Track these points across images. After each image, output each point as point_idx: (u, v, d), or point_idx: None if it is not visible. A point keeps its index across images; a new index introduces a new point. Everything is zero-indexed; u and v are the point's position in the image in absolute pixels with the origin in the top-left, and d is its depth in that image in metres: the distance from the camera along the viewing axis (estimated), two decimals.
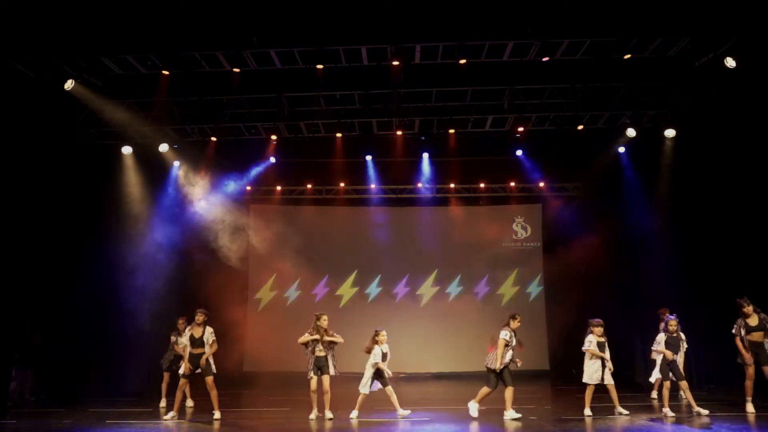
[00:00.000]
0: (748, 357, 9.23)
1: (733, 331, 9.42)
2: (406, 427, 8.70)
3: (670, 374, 9.21)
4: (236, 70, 10.46)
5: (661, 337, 9.33)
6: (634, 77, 11.40)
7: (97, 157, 12.84)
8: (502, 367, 9.11)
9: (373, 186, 16.03)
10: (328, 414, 9.32)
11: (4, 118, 10.45)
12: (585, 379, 9.30)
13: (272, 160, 14.27)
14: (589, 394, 9.28)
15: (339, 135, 13.10)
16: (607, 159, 13.72)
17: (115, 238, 12.82)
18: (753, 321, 9.28)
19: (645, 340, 12.55)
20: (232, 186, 14.46)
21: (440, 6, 9.50)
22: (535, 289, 16.94)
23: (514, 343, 9.21)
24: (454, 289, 16.99)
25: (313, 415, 9.27)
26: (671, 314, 10.04)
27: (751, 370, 9.24)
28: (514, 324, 9.32)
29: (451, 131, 12.94)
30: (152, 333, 12.43)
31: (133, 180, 13.18)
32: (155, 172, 13.57)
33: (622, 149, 13.45)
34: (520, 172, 15.27)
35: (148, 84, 11.16)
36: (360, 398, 9.41)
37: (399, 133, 12.93)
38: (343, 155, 14.00)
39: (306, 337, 9.43)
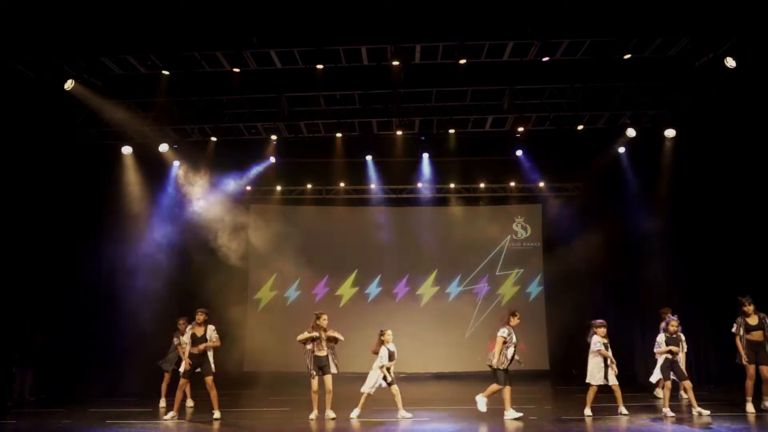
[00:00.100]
0: (745, 356, 9.21)
1: (733, 329, 9.41)
2: (406, 427, 8.69)
3: (671, 374, 9.21)
4: (236, 70, 10.45)
5: (661, 338, 9.32)
6: (634, 77, 11.40)
7: (97, 157, 12.84)
8: (502, 365, 9.05)
9: (373, 186, 16.02)
10: (331, 414, 9.31)
11: (4, 118, 10.46)
12: (588, 379, 9.29)
13: (272, 160, 14.26)
14: (591, 395, 9.28)
15: (339, 135, 13.10)
16: (607, 159, 13.71)
17: (115, 238, 12.83)
18: (753, 320, 9.28)
19: (645, 340, 12.56)
20: (232, 186, 14.45)
21: (440, 6, 9.50)
22: (535, 289, 16.94)
23: (514, 340, 9.17)
24: (454, 289, 17.00)
25: (313, 415, 9.26)
26: (672, 315, 10.04)
27: (751, 370, 9.24)
28: (514, 321, 9.28)
29: (451, 131, 12.94)
30: (152, 333, 12.43)
31: (133, 180, 13.18)
32: (155, 172, 13.56)
33: (622, 149, 13.45)
34: (520, 172, 15.26)
35: (148, 84, 11.16)
36: (363, 397, 9.39)
37: (399, 133, 12.94)
38: (343, 155, 14.00)
39: (305, 335, 9.39)
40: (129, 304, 12.64)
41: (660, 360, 9.32)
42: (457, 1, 9.54)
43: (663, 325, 10.80)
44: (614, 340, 9.58)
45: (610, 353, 9.26)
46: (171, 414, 9.48)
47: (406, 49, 10.08)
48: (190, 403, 10.77)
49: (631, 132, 12.25)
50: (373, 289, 17.03)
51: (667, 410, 9.07)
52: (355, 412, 9.30)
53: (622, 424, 8.64)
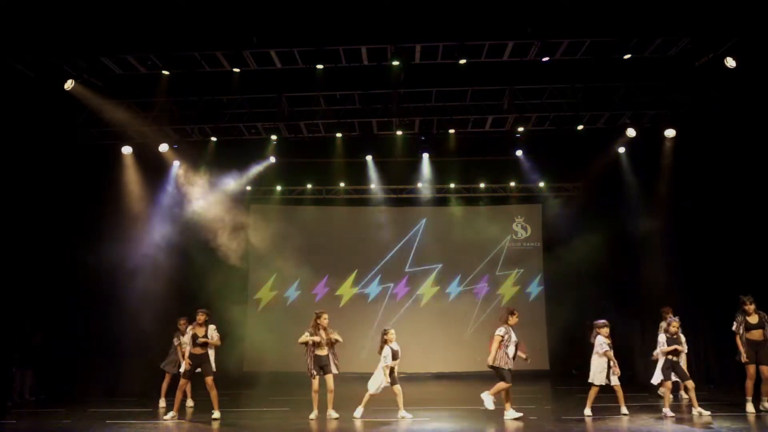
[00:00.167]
0: (745, 353, 9.20)
1: (733, 328, 9.40)
2: (406, 427, 8.69)
3: (672, 375, 9.19)
4: (236, 70, 10.45)
5: (662, 338, 9.30)
6: (634, 77, 11.40)
7: (97, 157, 12.83)
8: (506, 364, 9.01)
9: (373, 186, 16.02)
10: (333, 414, 9.31)
11: (4, 118, 10.46)
12: (591, 379, 9.29)
13: (272, 159, 14.26)
14: (592, 395, 9.28)
15: (339, 135, 13.10)
16: (607, 159, 13.71)
17: (115, 238, 12.82)
18: (753, 319, 9.27)
19: (645, 340, 12.57)
20: (231, 186, 14.45)
21: (440, 6, 9.50)
22: (535, 289, 16.94)
23: (513, 339, 9.15)
24: (454, 289, 17.00)
25: (313, 415, 9.26)
26: (674, 315, 10.04)
27: (751, 369, 9.23)
28: (512, 320, 9.26)
29: (451, 131, 12.94)
30: (152, 333, 12.43)
31: (133, 180, 13.17)
32: (155, 171, 13.56)
33: (622, 149, 13.45)
34: (520, 172, 15.26)
35: (148, 84, 11.17)
36: (366, 397, 9.37)
37: (399, 133, 12.93)
38: (343, 155, 14.00)
39: (306, 337, 9.39)
40: (129, 304, 12.64)
41: (660, 361, 9.31)
42: (457, 1, 9.54)
43: (664, 324, 10.82)
44: (614, 340, 9.57)
45: (612, 354, 9.25)
46: (171, 414, 9.48)
47: (406, 49, 10.08)
48: (190, 402, 10.77)
49: (631, 132, 12.25)
50: (373, 289, 17.03)
51: (667, 410, 9.07)
52: (358, 411, 9.28)
53: (622, 424, 8.64)
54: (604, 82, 11.61)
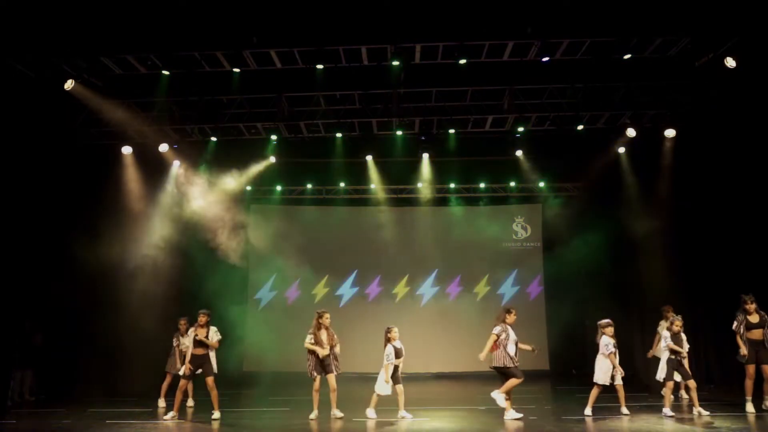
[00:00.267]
0: (744, 350, 9.18)
1: (734, 327, 9.39)
2: (406, 427, 8.69)
3: (675, 374, 9.18)
4: (236, 70, 10.46)
5: (667, 334, 9.26)
6: (634, 77, 11.40)
7: (97, 157, 12.84)
8: (510, 362, 8.98)
9: (373, 186, 16.02)
10: (338, 413, 9.31)
11: (4, 118, 10.45)
12: (596, 379, 9.29)
13: (272, 159, 14.26)
14: (594, 394, 9.29)
15: (339, 135, 13.11)
16: (607, 159, 13.71)
17: (115, 238, 12.81)
18: (754, 318, 9.26)
19: (645, 340, 12.56)
20: (231, 185, 14.45)
21: (440, 6, 9.50)
22: (535, 289, 16.94)
23: (513, 337, 9.13)
24: (453, 289, 17.00)
25: (313, 415, 9.26)
26: (674, 314, 10.02)
27: (751, 369, 9.22)
28: (510, 318, 9.25)
29: (451, 131, 12.94)
30: (152, 333, 12.42)
31: (133, 180, 13.17)
32: (155, 172, 13.56)
33: (622, 149, 13.44)
34: (520, 172, 15.24)
35: (148, 84, 11.17)
36: (374, 397, 9.32)
37: (399, 133, 12.93)
38: (343, 155, 13.99)
39: (312, 346, 9.39)
40: (129, 304, 12.64)
41: (665, 357, 9.26)
42: (457, 1, 9.54)
43: (663, 323, 10.84)
44: (616, 340, 9.57)
45: (614, 354, 9.25)
46: (171, 414, 9.48)
47: (406, 49, 10.09)
48: (190, 402, 10.77)
49: (631, 132, 12.25)
50: (373, 289, 17.02)
51: (667, 410, 9.07)
52: (371, 412, 9.25)
53: (623, 424, 8.64)
54: (604, 82, 11.61)
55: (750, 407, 9.15)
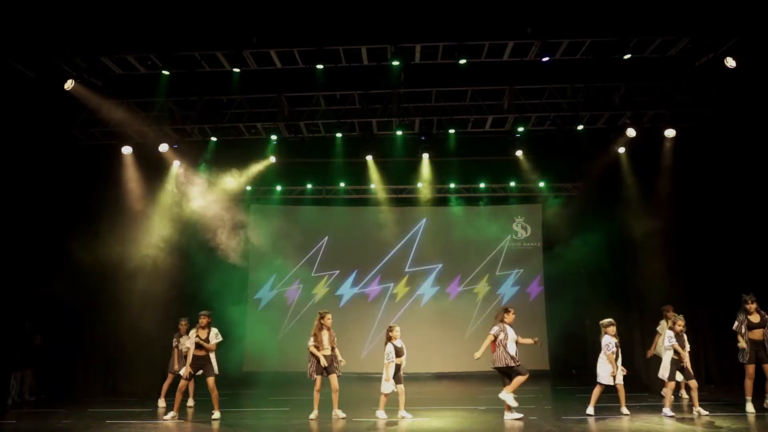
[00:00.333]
0: (744, 344, 9.15)
1: (734, 326, 9.37)
2: (407, 427, 8.69)
3: (677, 374, 9.16)
4: (236, 70, 10.46)
5: (671, 333, 9.23)
6: (634, 77, 11.41)
7: (97, 157, 12.83)
8: (511, 362, 8.97)
9: (373, 186, 16.02)
10: (340, 413, 9.31)
11: (4, 118, 10.46)
12: (599, 379, 9.29)
13: (272, 159, 14.27)
14: (597, 393, 9.30)
15: (339, 135, 13.11)
16: (607, 159, 13.70)
17: (116, 238, 12.81)
18: (755, 318, 9.24)
19: (645, 341, 12.56)
20: (231, 185, 14.45)
21: (440, 6, 9.51)
22: (535, 289, 16.94)
23: (513, 336, 9.12)
24: (453, 289, 17.00)
25: (313, 415, 9.26)
26: (676, 314, 10.01)
27: (751, 369, 9.21)
28: (509, 318, 9.23)
29: (451, 131, 12.94)
30: (152, 333, 12.43)
31: (133, 180, 13.17)
32: (155, 172, 13.56)
33: (622, 149, 13.44)
34: (520, 172, 15.24)
35: (148, 84, 11.17)
36: (381, 398, 9.29)
37: (399, 133, 12.93)
38: (343, 155, 13.99)
39: (314, 350, 9.38)
40: (129, 304, 12.63)
41: (669, 356, 9.23)
42: (457, 1, 9.54)
43: (664, 323, 10.83)
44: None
45: (615, 353, 9.24)
46: (171, 414, 9.48)
47: (406, 49, 10.09)
48: (190, 402, 10.77)
49: (631, 132, 12.24)
50: (373, 289, 17.03)
51: (667, 410, 9.07)
52: (380, 413, 9.23)
53: (623, 424, 8.64)
54: (604, 82, 11.62)
55: (750, 407, 9.14)
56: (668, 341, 9.21)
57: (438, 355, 16.22)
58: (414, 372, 15.58)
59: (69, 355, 12.41)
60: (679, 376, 9.19)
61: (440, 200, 16.79)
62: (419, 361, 15.78)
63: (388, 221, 16.79)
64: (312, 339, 9.45)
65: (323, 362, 9.32)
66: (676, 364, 9.14)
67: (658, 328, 11.25)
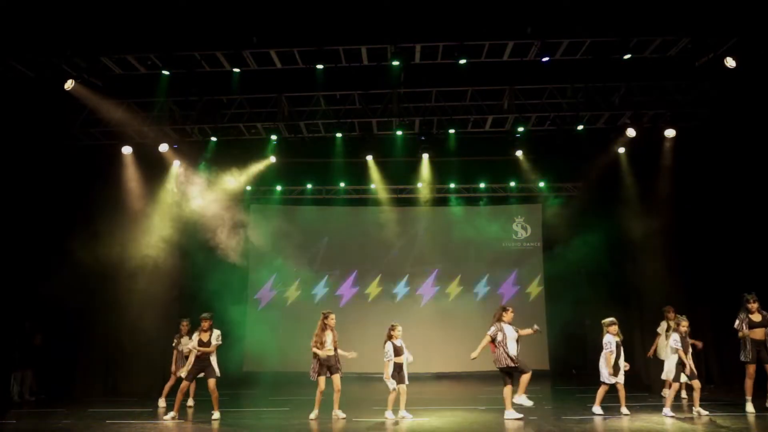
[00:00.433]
0: (745, 330, 9.14)
1: (735, 325, 9.34)
2: (407, 427, 8.69)
3: (681, 375, 9.14)
4: (236, 70, 10.45)
5: (676, 337, 9.19)
6: (634, 77, 11.41)
7: (97, 157, 12.83)
8: (511, 362, 8.98)
9: (373, 186, 16.02)
10: (341, 414, 9.31)
11: (4, 118, 10.46)
12: (602, 378, 9.29)
13: (272, 159, 14.27)
14: (601, 393, 9.31)
15: (339, 135, 13.11)
16: (607, 159, 13.70)
17: (116, 238, 12.81)
18: (756, 317, 9.22)
19: (645, 341, 12.56)
20: (231, 185, 14.45)
21: (440, 6, 9.50)
22: (535, 289, 16.94)
23: (512, 335, 9.10)
24: (454, 289, 17.00)
25: (313, 415, 9.26)
26: (677, 315, 10.00)
27: (751, 369, 9.20)
28: (507, 317, 9.21)
29: (451, 131, 12.94)
30: (152, 333, 12.42)
31: (133, 180, 13.17)
32: (155, 171, 13.55)
33: (622, 149, 13.44)
34: (520, 172, 15.24)
35: (148, 84, 11.17)
36: (390, 397, 9.28)
37: (399, 133, 12.93)
38: (343, 155, 13.99)
39: (317, 350, 9.38)
40: (129, 304, 12.63)
41: (674, 359, 9.20)
42: (457, 1, 9.54)
43: (664, 324, 10.82)
44: None
45: (614, 354, 9.24)
46: (171, 414, 9.47)
47: (406, 49, 10.09)
48: (190, 402, 10.77)
49: (631, 132, 12.24)
50: (373, 289, 17.02)
51: (667, 410, 9.07)
52: (388, 414, 9.22)
53: (622, 424, 8.64)
54: (604, 82, 11.62)
55: (750, 407, 9.13)
56: (674, 344, 9.17)
57: (438, 355, 16.20)
58: (414, 372, 15.50)
59: (69, 355, 12.41)
60: (683, 377, 9.18)
61: (440, 200, 16.79)
62: (419, 361, 15.61)
63: (388, 221, 16.79)
64: (314, 338, 9.44)
65: (322, 354, 9.28)
66: (683, 366, 9.12)
67: (659, 329, 11.25)
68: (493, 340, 9.09)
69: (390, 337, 9.35)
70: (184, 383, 9.61)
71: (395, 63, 10.24)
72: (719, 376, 12.23)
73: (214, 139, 12.90)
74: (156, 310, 12.71)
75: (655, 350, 11.27)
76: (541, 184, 16.07)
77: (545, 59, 10.32)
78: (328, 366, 9.38)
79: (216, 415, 9.43)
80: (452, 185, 16.30)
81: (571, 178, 16.01)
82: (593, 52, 10.19)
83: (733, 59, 9.56)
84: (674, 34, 9.84)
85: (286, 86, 11.73)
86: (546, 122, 12.75)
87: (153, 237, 13.16)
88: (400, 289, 17.03)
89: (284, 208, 16.88)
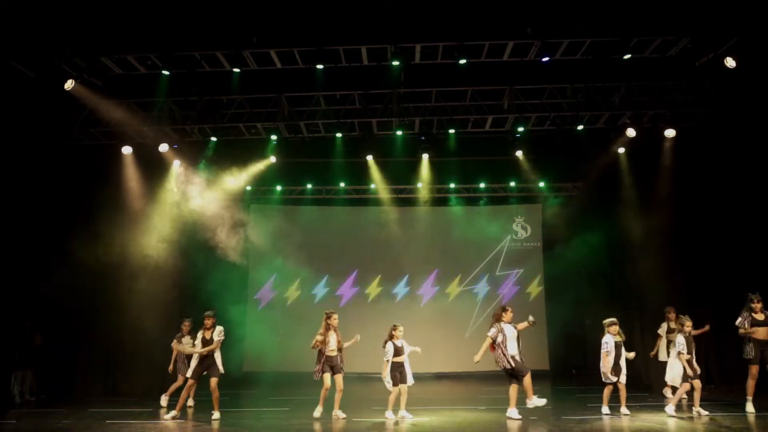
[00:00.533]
0: (747, 327, 9.14)
1: (737, 322, 9.31)
2: (407, 427, 8.69)
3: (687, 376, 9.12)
4: (236, 70, 10.45)
5: (681, 339, 9.17)
6: (634, 77, 11.41)
7: (97, 157, 12.83)
8: (510, 362, 8.97)
9: (373, 186, 16.02)
10: (341, 414, 9.31)
11: (3, 118, 10.46)
12: (604, 379, 9.30)
13: (272, 159, 14.27)
14: (607, 393, 9.31)
15: (339, 135, 13.11)
16: (607, 159, 13.70)
17: (116, 238, 12.81)
18: (760, 317, 9.20)
19: (645, 341, 12.56)
20: (231, 185, 14.45)
21: (440, 6, 9.50)
22: (535, 289, 16.94)
23: (510, 336, 9.11)
24: (454, 289, 17.00)
25: (317, 412, 9.27)
26: (677, 315, 10.00)
27: (754, 369, 9.18)
28: (507, 317, 9.22)
29: (451, 131, 12.94)
30: (153, 333, 12.41)
31: (133, 180, 13.17)
32: (155, 171, 13.55)
33: (621, 149, 13.44)
34: (520, 172, 15.24)
35: (148, 84, 11.17)
36: (390, 396, 9.31)
37: (399, 133, 12.93)
38: (343, 155, 13.99)
39: (318, 339, 9.38)
40: (129, 304, 12.63)
41: (679, 363, 9.18)
42: (457, 1, 9.54)
43: (664, 324, 10.82)
44: None
45: (623, 352, 9.23)
46: (172, 414, 9.48)
47: (406, 49, 10.09)
48: (190, 402, 10.73)
49: (631, 132, 12.24)
50: (373, 289, 17.03)
51: (671, 407, 9.07)
52: (388, 414, 9.23)
53: (623, 423, 8.65)
54: (604, 82, 11.61)
55: (750, 407, 9.13)
56: (679, 347, 9.15)
57: (438, 355, 16.18)
58: (414, 372, 15.50)
59: (69, 355, 12.40)
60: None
61: (440, 200, 16.79)
62: (419, 361, 15.69)
63: (388, 221, 16.79)
64: (315, 339, 9.43)
65: (323, 346, 9.28)
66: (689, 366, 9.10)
67: (660, 331, 11.26)
68: (493, 342, 9.10)
69: (391, 337, 9.36)
70: (191, 382, 9.61)
71: (395, 63, 10.24)
72: (719, 376, 12.23)
73: (214, 139, 12.90)
74: (156, 310, 12.71)
75: (657, 352, 11.27)
76: (541, 184, 16.07)
77: (545, 59, 10.32)
78: (331, 366, 9.39)
79: (216, 415, 9.43)
80: (452, 185, 16.30)
81: (571, 178, 16.01)
82: (593, 52, 10.19)
83: (733, 59, 9.56)
84: (674, 34, 9.84)
85: (286, 86, 11.73)
86: (546, 122, 12.75)
87: (153, 237, 13.16)
88: (400, 289, 17.03)
89: (284, 208, 16.88)
